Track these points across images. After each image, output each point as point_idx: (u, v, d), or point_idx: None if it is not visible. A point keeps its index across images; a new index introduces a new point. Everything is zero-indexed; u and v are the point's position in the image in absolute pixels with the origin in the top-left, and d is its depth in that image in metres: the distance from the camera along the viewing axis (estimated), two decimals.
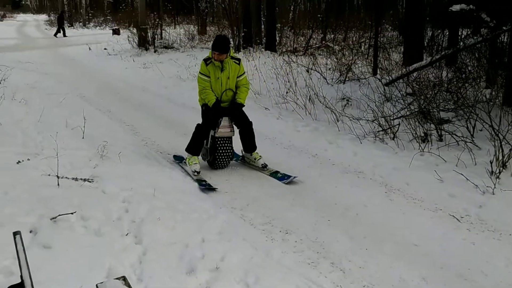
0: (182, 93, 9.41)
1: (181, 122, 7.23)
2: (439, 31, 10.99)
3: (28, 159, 4.69)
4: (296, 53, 13.28)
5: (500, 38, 7.01)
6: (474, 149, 4.97)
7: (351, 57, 10.47)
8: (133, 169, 4.76)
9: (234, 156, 5.31)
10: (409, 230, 3.66)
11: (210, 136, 5.11)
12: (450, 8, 5.97)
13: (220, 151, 5.06)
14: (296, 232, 3.65)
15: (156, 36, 17.20)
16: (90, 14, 37.74)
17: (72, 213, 3.40)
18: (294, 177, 4.72)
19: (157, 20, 17.97)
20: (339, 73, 9.29)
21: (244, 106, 5.12)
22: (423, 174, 4.67)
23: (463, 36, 9.32)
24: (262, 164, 5.06)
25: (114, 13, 33.07)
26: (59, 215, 3.35)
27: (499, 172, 4.34)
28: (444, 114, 6.08)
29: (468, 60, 7.75)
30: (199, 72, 5.04)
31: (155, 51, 16.35)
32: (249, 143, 5.19)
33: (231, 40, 15.70)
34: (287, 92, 7.96)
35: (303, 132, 6.44)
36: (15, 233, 1.97)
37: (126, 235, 3.35)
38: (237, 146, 5.26)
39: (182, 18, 30.76)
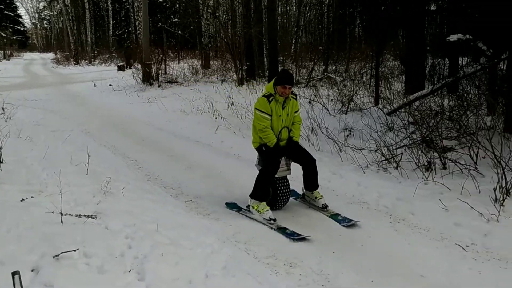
0: (186, 127, 9.49)
1: (185, 156, 7.27)
2: (439, 60, 11.10)
3: (32, 197, 4.69)
4: (298, 85, 13.41)
5: (499, 66, 7.07)
6: (477, 177, 4.96)
7: (352, 87, 10.56)
8: (136, 204, 4.75)
9: (294, 194, 5.15)
10: (415, 261, 3.63)
11: None
12: (448, 38, 6.04)
13: (281, 191, 4.82)
14: (300, 265, 3.62)
15: (160, 71, 17.44)
16: (95, 52, 38.47)
17: (74, 250, 3.38)
18: (356, 221, 4.39)
19: (161, 55, 18.23)
20: (341, 104, 9.36)
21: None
22: (427, 203, 4.64)
23: (463, 64, 9.41)
24: (322, 204, 4.76)
25: (119, 50, 33.63)
26: (62, 252, 3.33)
27: (503, 200, 4.31)
28: (447, 142, 6.07)
29: (468, 88, 7.79)
30: (259, 110, 4.69)
31: (159, 86, 16.60)
32: (312, 181, 4.88)
33: (233, 73, 15.93)
34: None
35: None
36: (13, 273, 1.99)
37: (129, 271, 3.32)
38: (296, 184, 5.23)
39: (186, 53, 31.26)
